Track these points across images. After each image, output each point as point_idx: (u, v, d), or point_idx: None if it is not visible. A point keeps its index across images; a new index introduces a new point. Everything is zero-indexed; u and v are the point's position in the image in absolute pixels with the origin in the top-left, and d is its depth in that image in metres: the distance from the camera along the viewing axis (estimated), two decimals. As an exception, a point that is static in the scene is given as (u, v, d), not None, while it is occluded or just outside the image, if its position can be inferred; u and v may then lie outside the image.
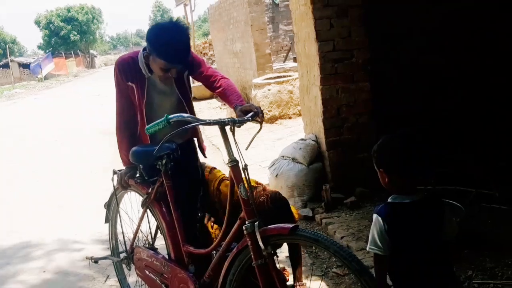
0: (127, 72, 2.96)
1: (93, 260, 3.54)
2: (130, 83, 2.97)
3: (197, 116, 2.70)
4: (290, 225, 2.25)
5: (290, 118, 9.52)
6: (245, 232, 2.33)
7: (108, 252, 3.68)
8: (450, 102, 5.11)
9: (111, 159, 6.92)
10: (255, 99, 9.66)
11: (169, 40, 2.73)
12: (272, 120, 9.51)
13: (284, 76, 10.13)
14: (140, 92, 2.97)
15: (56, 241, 5.04)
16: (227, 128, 2.47)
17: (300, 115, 7.50)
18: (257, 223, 2.31)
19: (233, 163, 2.41)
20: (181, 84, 3.05)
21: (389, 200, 2.28)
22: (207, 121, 2.51)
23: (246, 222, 2.34)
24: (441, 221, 2.24)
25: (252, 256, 2.32)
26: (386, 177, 2.25)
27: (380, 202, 2.36)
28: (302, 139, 5.25)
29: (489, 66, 5.12)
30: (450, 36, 5.07)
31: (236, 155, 2.42)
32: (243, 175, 2.40)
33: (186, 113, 3.02)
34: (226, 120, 2.45)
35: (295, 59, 11.70)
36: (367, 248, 2.27)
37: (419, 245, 2.20)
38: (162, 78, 2.94)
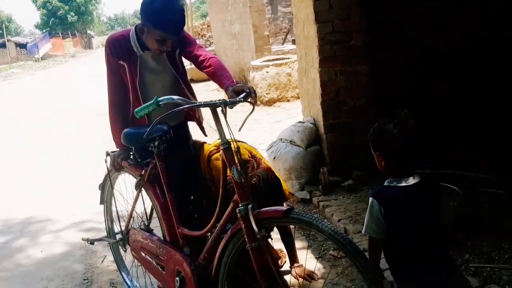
0: (118, 50, 2.91)
1: (89, 242, 3.54)
2: (121, 62, 2.92)
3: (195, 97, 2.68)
4: (284, 208, 2.23)
5: (288, 100, 9.49)
6: (238, 215, 2.31)
7: (104, 233, 3.68)
8: (448, 85, 5.10)
9: (106, 140, 6.90)
10: (253, 81, 9.62)
11: (165, 9, 2.70)
12: (270, 102, 9.48)
13: (283, 59, 10.08)
14: (133, 71, 2.93)
15: (52, 221, 5.04)
16: (219, 110, 2.43)
17: (298, 98, 7.48)
18: (250, 205, 2.29)
19: (225, 146, 2.38)
20: (174, 63, 3.01)
21: (385, 183, 2.28)
22: (197, 104, 2.48)
23: (240, 205, 2.32)
24: (438, 205, 2.24)
25: (246, 239, 2.30)
26: (382, 160, 2.24)
27: (377, 186, 2.36)
28: (300, 122, 5.23)
29: (488, 51, 5.11)
30: (449, 19, 5.04)
31: (228, 137, 2.40)
32: (235, 158, 2.37)
33: (183, 92, 3.01)
34: (217, 101, 2.41)
35: (293, 41, 11.66)
36: (363, 231, 2.29)
37: (414, 229, 2.20)
38: (155, 54, 2.90)
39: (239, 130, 2.47)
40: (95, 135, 8.47)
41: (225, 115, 2.40)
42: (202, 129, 3.32)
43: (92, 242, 3.54)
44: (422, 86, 5.12)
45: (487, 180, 4.21)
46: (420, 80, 5.12)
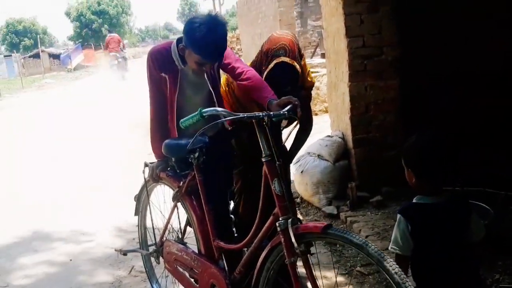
0: (160, 62, 2.95)
1: (122, 253, 3.57)
2: (163, 74, 2.96)
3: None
4: (324, 224, 2.21)
5: (316, 114, 9.45)
6: (278, 229, 2.29)
7: (133, 245, 3.71)
8: (482, 103, 5.04)
9: (138, 149, 6.95)
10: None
11: (206, 36, 2.68)
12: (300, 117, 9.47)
13: (312, 72, 10.07)
14: (173, 84, 2.96)
15: (85, 232, 5.10)
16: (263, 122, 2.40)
17: (327, 112, 7.46)
18: (290, 219, 2.27)
19: (268, 158, 2.37)
20: (212, 77, 3.02)
21: (414, 200, 2.27)
22: (241, 116, 2.45)
23: (280, 219, 2.30)
24: (467, 222, 2.22)
25: (285, 254, 2.28)
26: (413, 176, 2.23)
27: (406, 202, 2.34)
28: (329, 136, 5.22)
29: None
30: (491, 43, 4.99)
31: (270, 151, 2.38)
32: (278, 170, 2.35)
33: (215, 105, 3.01)
34: (261, 114, 2.38)
35: (323, 55, 11.65)
36: (389, 248, 2.27)
37: (442, 246, 2.18)
38: (196, 71, 2.93)
39: (283, 143, 2.46)
40: (129, 146, 8.55)
41: (269, 128, 2.37)
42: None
43: (125, 253, 3.56)
44: (454, 103, 5.07)
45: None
46: (453, 97, 5.08)
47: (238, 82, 3.02)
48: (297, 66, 3.04)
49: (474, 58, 4.96)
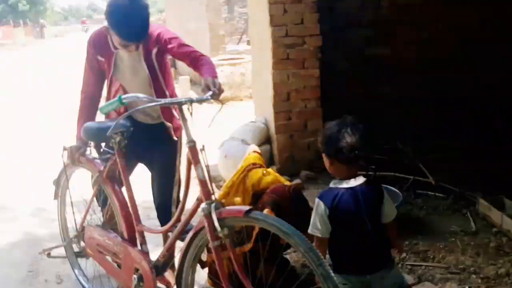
0: (97, 46, 2.98)
1: (46, 253, 3.46)
2: (99, 57, 3.00)
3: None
4: (246, 208, 2.27)
5: (241, 100, 9.56)
6: (202, 213, 2.32)
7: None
8: (393, 90, 5.42)
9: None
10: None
11: (124, 17, 2.72)
12: (224, 101, 9.52)
13: (237, 58, 10.16)
14: (108, 66, 2.99)
15: (7, 210, 4.94)
16: (185, 107, 2.45)
17: (251, 97, 7.57)
18: (214, 204, 2.30)
19: (191, 144, 2.39)
20: (150, 62, 3.00)
21: (330, 185, 2.39)
22: (162, 102, 2.49)
23: (203, 203, 2.33)
24: (380, 205, 2.38)
25: (209, 238, 2.30)
26: (329, 162, 2.37)
27: (324, 185, 2.47)
28: (252, 122, 5.33)
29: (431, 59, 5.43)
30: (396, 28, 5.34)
31: (194, 136, 2.41)
32: (200, 156, 2.38)
33: (161, 91, 3.02)
34: (183, 100, 2.42)
35: (248, 42, 11.75)
36: (309, 231, 2.36)
37: (357, 227, 2.32)
38: (126, 52, 2.93)
39: (208, 127, 2.49)
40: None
41: (191, 113, 2.39)
42: (174, 129, 3.23)
43: (49, 252, 3.46)
44: (369, 90, 5.38)
45: (426, 184, 4.42)
46: (367, 84, 5.38)
47: (187, 65, 3.01)
48: None
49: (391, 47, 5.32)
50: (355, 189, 2.33)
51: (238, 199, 2.95)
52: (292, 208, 2.78)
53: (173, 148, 3.24)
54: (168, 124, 3.16)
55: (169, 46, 2.95)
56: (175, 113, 3.14)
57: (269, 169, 3.11)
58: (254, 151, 3.21)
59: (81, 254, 3.37)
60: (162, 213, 3.26)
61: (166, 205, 3.24)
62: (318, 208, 2.33)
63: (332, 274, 2.05)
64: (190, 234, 2.44)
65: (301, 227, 2.61)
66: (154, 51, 3.00)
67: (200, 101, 2.48)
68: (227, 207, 2.35)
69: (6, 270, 3.77)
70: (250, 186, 2.95)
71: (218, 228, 2.24)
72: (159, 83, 3.07)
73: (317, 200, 2.34)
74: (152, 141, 3.15)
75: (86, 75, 3.11)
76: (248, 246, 2.78)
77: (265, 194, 2.86)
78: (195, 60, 2.91)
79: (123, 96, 2.40)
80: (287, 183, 2.99)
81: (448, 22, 5.55)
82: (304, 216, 2.67)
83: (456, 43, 5.62)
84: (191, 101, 2.41)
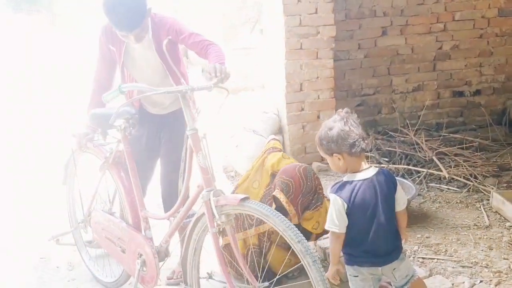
0: (109, 35, 3.02)
1: (54, 239, 3.49)
2: (111, 47, 3.03)
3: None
4: (241, 196, 2.31)
5: (253, 90, 9.51)
6: (202, 200, 2.37)
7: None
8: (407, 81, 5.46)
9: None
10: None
11: (112, 6, 2.73)
12: (236, 91, 9.49)
13: (250, 48, 10.10)
14: (119, 56, 3.02)
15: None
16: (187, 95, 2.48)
17: (263, 87, 7.52)
18: (213, 191, 2.35)
19: (193, 131, 2.42)
20: (160, 51, 2.97)
21: (345, 179, 2.37)
22: (162, 90, 2.49)
23: (204, 191, 2.38)
24: (394, 193, 2.38)
25: (208, 224, 2.37)
26: (340, 159, 2.34)
27: (335, 177, 2.45)
28: (264, 112, 5.31)
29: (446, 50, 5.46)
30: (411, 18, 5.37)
31: (195, 124, 2.45)
32: (202, 144, 2.41)
33: (174, 79, 3.02)
34: (183, 88, 2.45)
35: (261, 32, 11.68)
36: (326, 227, 2.37)
37: (373, 219, 2.32)
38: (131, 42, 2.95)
39: (217, 113, 2.50)
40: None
41: (192, 101, 2.44)
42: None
43: (57, 239, 3.49)
44: (383, 81, 5.36)
45: (439, 177, 4.39)
46: (381, 75, 5.39)
47: (196, 51, 3.01)
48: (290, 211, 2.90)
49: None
50: (372, 179, 2.33)
51: (256, 182, 3.08)
52: (302, 187, 2.90)
53: (181, 136, 3.24)
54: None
55: (181, 36, 2.97)
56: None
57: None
58: (274, 139, 3.30)
59: (91, 243, 3.41)
60: (166, 203, 3.28)
61: (171, 195, 3.22)
62: (335, 203, 2.31)
63: (312, 250, 2.17)
64: (193, 220, 2.50)
65: (312, 204, 2.80)
66: (165, 41, 2.99)
67: (201, 89, 2.48)
68: (225, 195, 2.40)
69: (17, 256, 3.81)
70: (270, 166, 3.06)
71: (216, 216, 2.31)
72: (173, 72, 3.06)
73: (333, 196, 2.33)
74: (162, 132, 3.19)
75: (98, 64, 3.15)
76: (265, 227, 2.87)
77: (277, 175, 2.94)
78: (204, 49, 2.92)
79: (123, 85, 2.45)
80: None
81: (464, 13, 5.47)
82: (315, 193, 2.96)
83: (473, 34, 5.54)
84: (192, 89, 2.44)
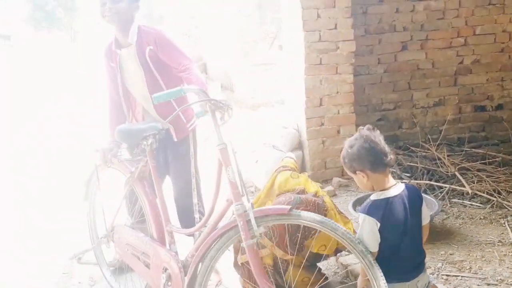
0: (108, 54, 3.22)
1: (76, 258, 3.46)
2: (112, 64, 3.19)
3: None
4: (289, 206, 2.32)
5: (272, 105, 9.53)
6: (234, 213, 2.35)
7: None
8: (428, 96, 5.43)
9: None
10: (238, 84, 9.67)
11: None
12: (255, 107, 9.53)
13: (269, 64, 10.14)
14: (117, 69, 3.17)
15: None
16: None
17: (283, 103, 7.54)
18: (250, 203, 2.34)
19: (222, 146, 2.43)
20: (143, 60, 3.11)
21: (372, 197, 2.34)
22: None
23: (235, 204, 2.36)
24: (421, 207, 2.36)
25: (243, 236, 2.33)
26: (365, 177, 2.31)
27: (356, 192, 2.42)
28: (284, 127, 5.31)
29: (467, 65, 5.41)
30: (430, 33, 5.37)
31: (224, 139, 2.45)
32: (231, 158, 2.41)
33: (159, 90, 3.03)
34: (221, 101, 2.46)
35: (280, 47, 11.75)
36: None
37: (404, 235, 2.30)
38: (125, 52, 3.09)
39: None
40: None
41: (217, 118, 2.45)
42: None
43: (79, 257, 3.45)
44: (403, 96, 5.34)
45: (462, 193, 4.33)
46: (401, 90, 5.37)
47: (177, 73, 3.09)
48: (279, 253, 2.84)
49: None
50: (401, 195, 2.31)
51: (269, 202, 3.00)
52: (287, 229, 2.76)
53: (184, 149, 3.29)
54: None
55: (161, 51, 3.08)
56: (182, 116, 3.20)
57: (301, 174, 3.11)
58: (288, 157, 3.25)
59: (113, 263, 3.44)
60: (182, 218, 3.31)
61: (186, 210, 3.25)
62: (367, 224, 2.26)
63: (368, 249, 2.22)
64: (218, 231, 2.46)
65: (310, 234, 2.75)
66: (148, 49, 3.09)
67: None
68: (268, 206, 2.43)
69: (41, 271, 3.82)
70: (277, 187, 3.00)
71: (255, 227, 2.29)
72: (155, 81, 3.14)
73: (363, 216, 2.28)
74: (168, 149, 3.25)
75: (107, 83, 3.32)
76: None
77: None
78: (182, 70, 3.04)
79: (185, 87, 2.48)
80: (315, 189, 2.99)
81: (484, 27, 5.44)
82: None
83: (494, 48, 5.51)
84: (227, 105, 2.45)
